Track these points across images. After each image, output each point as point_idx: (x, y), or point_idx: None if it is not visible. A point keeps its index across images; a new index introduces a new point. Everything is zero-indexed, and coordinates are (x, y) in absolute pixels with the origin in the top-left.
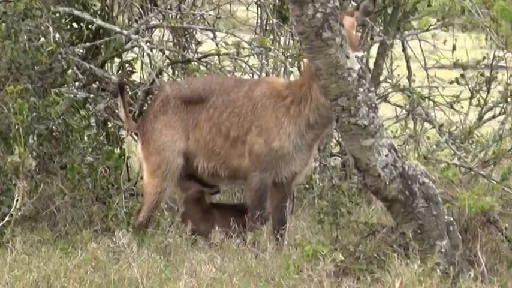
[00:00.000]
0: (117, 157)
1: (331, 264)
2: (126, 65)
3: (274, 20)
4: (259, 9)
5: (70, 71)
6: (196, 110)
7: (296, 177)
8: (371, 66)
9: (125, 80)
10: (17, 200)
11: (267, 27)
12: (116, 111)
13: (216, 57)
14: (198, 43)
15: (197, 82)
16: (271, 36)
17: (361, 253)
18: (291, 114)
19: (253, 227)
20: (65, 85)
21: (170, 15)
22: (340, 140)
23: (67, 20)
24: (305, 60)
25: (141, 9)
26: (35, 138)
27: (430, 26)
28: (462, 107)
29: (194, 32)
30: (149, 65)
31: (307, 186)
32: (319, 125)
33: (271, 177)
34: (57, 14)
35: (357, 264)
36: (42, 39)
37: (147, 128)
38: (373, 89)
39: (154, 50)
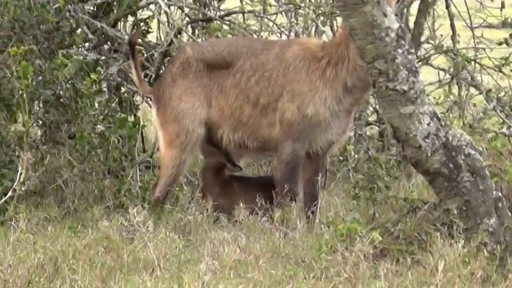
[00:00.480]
0: (131, 126)
1: (367, 244)
2: (141, 23)
3: None
4: None
5: (79, 30)
6: (221, 74)
7: (332, 147)
8: (411, 25)
9: (137, 38)
10: (21, 173)
11: None
12: (130, 74)
13: (241, 15)
14: (221, 0)
15: (221, 44)
16: None
17: (401, 232)
18: (326, 77)
19: (282, 203)
20: (74, 46)
21: None
22: (377, 107)
23: None
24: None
25: None
26: (41, 104)
27: None
28: None
29: None
30: (167, 24)
31: (341, 158)
32: (358, 88)
33: (304, 147)
34: None
35: (396, 244)
36: None
37: (164, 93)
38: (413, 50)
39: (172, 7)
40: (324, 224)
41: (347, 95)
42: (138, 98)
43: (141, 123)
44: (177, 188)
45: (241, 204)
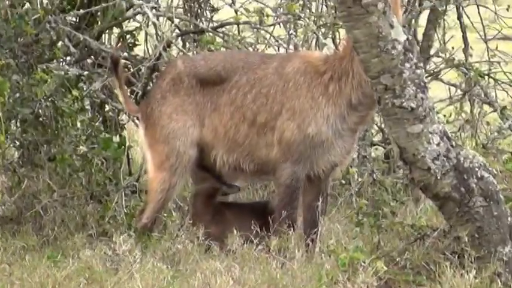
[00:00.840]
0: (116, 147)
1: (371, 275)
2: (128, 36)
3: None
4: None
5: (60, 43)
6: (215, 91)
7: (335, 169)
8: (420, 37)
9: (120, 53)
10: None
11: None
12: (115, 91)
13: (235, 26)
14: (214, 10)
15: (215, 58)
16: (301, 2)
17: (408, 262)
18: (329, 93)
19: (279, 230)
20: (54, 60)
21: None
22: (382, 126)
23: None
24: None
25: None
26: (18, 124)
27: None
28: None
29: None
30: (155, 37)
31: (343, 181)
32: (364, 105)
33: (305, 170)
34: None
35: (403, 275)
36: (28, 5)
37: (152, 111)
38: (421, 64)
39: (161, 18)
40: (325, 253)
41: (352, 113)
42: (123, 117)
43: (127, 144)
44: (165, 214)
45: (234, 232)
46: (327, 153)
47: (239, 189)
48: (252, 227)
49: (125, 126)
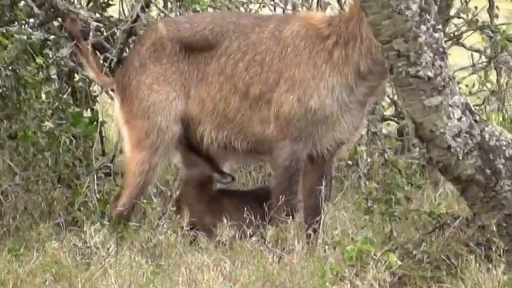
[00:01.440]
0: (88, 123)
1: (383, 270)
2: None
3: None
4: None
5: (22, 3)
6: (202, 58)
7: (341, 148)
8: None
9: (75, 26)
10: None
11: None
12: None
13: None
14: None
15: (202, 20)
16: None
17: (425, 255)
18: (334, 61)
19: (277, 218)
20: (16, 23)
21: None
22: (395, 98)
23: None
24: None
25: None
26: None
27: None
28: None
29: None
30: None
31: (350, 162)
32: (374, 74)
33: (306, 149)
34: None
35: (419, 270)
36: None
37: (129, 81)
38: (440, 27)
39: None
40: (329, 245)
41: (360, 83)
42: (96, 88)
43: (100, 120)
44: (144, 201)
45: (225, 221)
46: (331, 130)
47: (233, 179)
48: (252, 217)
49: (98, 98)
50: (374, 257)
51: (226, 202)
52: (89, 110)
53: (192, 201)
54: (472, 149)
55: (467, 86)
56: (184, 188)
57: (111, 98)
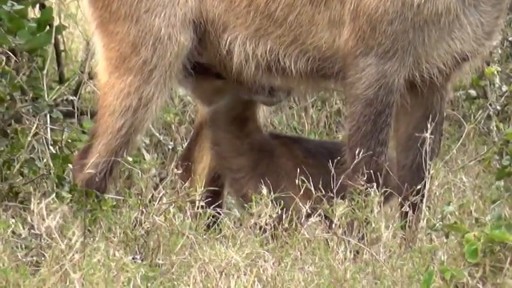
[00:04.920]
0: (35, 28)
1: None
2: None
3: None
4: None
5: None
6: None
7: (462, 67)
8: None
9: None
10: None
11: None
12: None
13: None
14: None
15: None
16: None
17: None
18: None
19: (352, 186)
20: None
21: None
22: None
23: None
24: None
25: None
26: None
27: None
28: None
29: None
30: None
31: (472, 92)
32: None
33: (403, 70)
34: None
35: None
36: None
37: None
38: None
39: None
40: (438, 231)
41: None
42: None
43: (56, 23)
44: (130, 159)
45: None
46: (446, 37)
47: (288, 94)
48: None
49: None
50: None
51: (285, 154)
52: (37, 6)
53: (223, 151)
54: None
55: None
56: (207, 131)
57: None
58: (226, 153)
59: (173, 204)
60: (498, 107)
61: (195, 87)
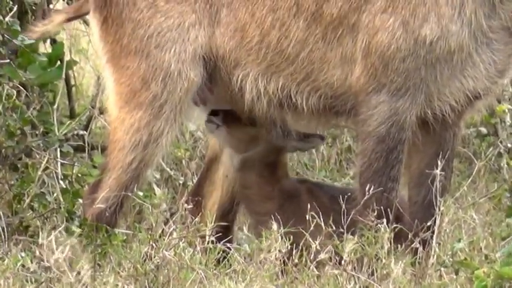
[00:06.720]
0: (46, 63)
1: None
2: None
3: None
4: None
5: None
6: None
7: (474, 105)
8: None
9: None
10: None
11: None
12: None
13: None
14: None
15: None
16: None
17: None
18: None
19: (362, 222)
20: None
21: None
22: None
23: None
24: None
25: None
26: None
27: None
28: None
29: None
30: None
31: (483, 130)
32: None
33: (415, 108)
34: None
35: None
36: None
37: None
38: None
39: None
40: (448, 266)
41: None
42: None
43: (67, 58)
44: (141, 193)
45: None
46: (459, 75)
47: (322, 139)
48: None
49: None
50: None
51: (311, 200)
52: (48, 40)
53: (253, 194)
54: None
55: None
56: (241, 177)
57: (85, 22)
58: (255, 197)
59: (183, 239)
60: (509, 145)
61: (229, 137)
